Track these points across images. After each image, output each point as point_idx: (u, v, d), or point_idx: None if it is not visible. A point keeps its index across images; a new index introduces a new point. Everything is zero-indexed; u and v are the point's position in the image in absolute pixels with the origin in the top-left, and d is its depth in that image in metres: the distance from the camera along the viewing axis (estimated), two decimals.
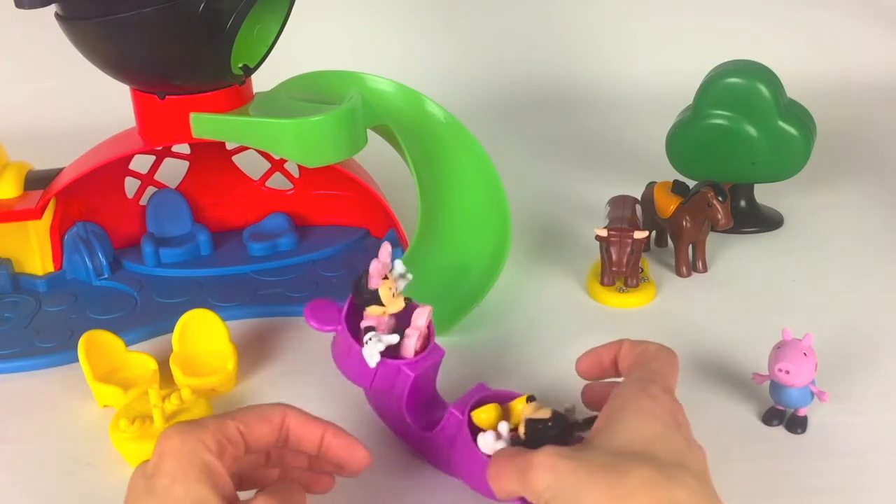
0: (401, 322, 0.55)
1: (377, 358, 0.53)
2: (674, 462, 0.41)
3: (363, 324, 0.54)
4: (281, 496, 0.46)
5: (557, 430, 0.47)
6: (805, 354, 0.57)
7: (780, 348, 0.58)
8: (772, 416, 0.60)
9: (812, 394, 0.58)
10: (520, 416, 0.49)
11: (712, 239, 0.80)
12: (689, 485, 0.40)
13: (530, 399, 0.50)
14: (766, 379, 0.60)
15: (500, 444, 0.48)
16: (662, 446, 0.42)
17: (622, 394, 0.46)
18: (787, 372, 0.57)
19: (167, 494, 0.43)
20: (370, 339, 0.53)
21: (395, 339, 0.53)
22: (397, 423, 0.58)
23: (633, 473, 0.40)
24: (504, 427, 0.49)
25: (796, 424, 0.59)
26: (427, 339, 0.55)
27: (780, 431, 0.59)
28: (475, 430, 0.50)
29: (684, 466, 0.41)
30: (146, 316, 0.74)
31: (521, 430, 0.48)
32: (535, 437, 0.47)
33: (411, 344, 0.54)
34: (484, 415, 0.51)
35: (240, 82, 0.73)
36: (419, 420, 0.55)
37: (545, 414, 0.48)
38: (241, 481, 0.49)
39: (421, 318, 0.54)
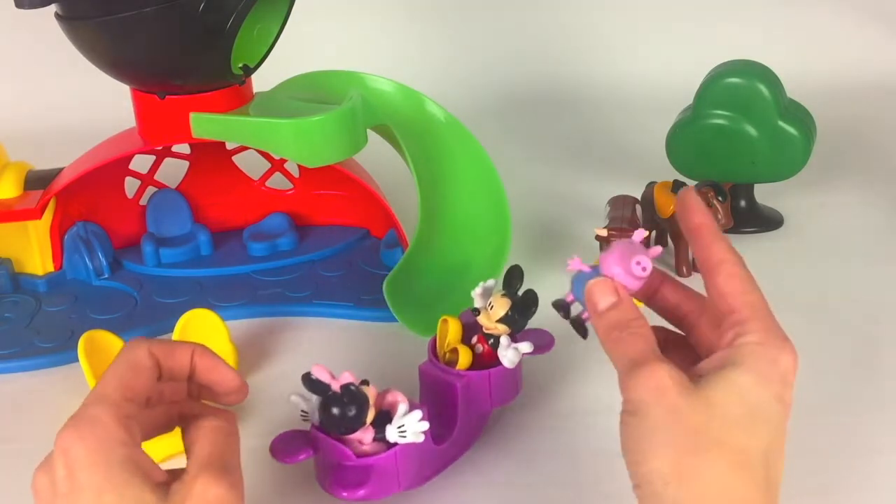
0: None
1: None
2: (757, 459, 0.40)
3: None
4: (221, 418, 0.45)
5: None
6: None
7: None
8: (560, 307, 0.49)
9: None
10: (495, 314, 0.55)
11: None
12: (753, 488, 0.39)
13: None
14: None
15: (513, 350, 0.54)
16: (757, 428, 0.40)
17: (747, 344, 0.42)
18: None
19: None
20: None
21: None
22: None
23: (709, 466, 0.39)
24: (505, 339, 0.55)
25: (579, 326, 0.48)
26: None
27: None
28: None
29: (765, 463, 0.40)
30: (146, 316, 0.74)
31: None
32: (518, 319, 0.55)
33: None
34: (451, 336, 0.56)
35: (240, 82, 0.73)
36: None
37: (506, 304, 0.55)
38: None
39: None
